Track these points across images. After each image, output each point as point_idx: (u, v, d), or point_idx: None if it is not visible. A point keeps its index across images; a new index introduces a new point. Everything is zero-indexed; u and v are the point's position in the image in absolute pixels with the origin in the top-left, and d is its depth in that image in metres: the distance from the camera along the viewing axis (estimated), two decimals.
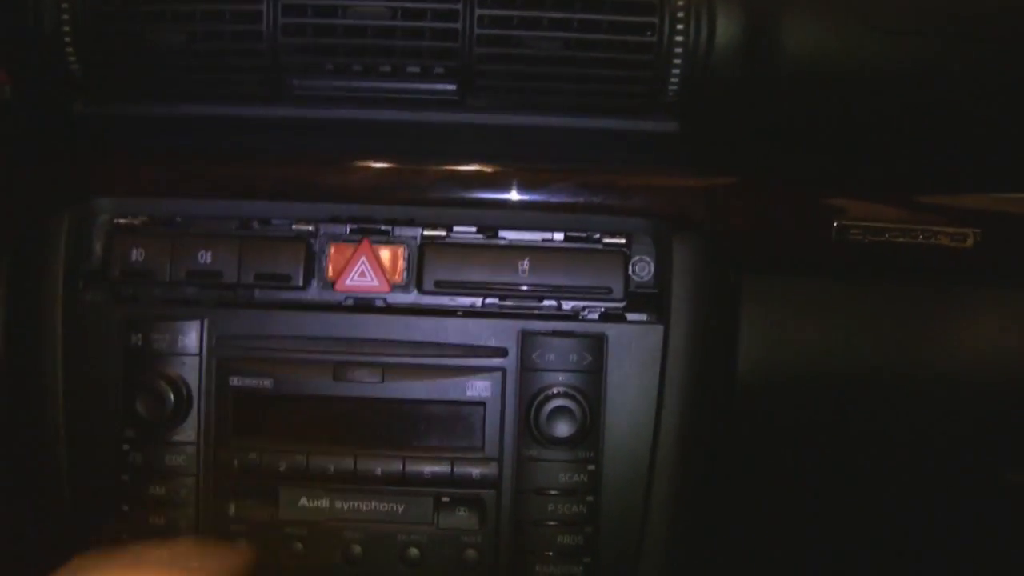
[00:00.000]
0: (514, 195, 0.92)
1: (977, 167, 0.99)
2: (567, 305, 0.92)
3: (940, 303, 0.99)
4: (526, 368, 0.90)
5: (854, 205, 0.95)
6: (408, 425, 0.91)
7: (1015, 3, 0.91)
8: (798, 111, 0.94)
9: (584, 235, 0.93)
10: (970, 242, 0.94)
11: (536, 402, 0.89)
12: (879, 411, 0.98)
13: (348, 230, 0.92)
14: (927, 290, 0.98)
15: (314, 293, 0.92)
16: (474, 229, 0.93)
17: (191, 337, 0.90)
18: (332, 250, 0.92)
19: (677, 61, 0.89)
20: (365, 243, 0.91)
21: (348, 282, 0.91)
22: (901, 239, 0.94)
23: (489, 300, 0.92)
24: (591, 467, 0.90)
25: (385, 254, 0.92)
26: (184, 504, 0.91)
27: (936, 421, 1.00)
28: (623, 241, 0.93)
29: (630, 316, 0.92)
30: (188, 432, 0.90)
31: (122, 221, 0.92)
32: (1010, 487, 1.04)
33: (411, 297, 0.92)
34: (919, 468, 1.03)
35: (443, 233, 0.92)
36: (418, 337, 0.91)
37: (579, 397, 0.89)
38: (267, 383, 0.90)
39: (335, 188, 0.92)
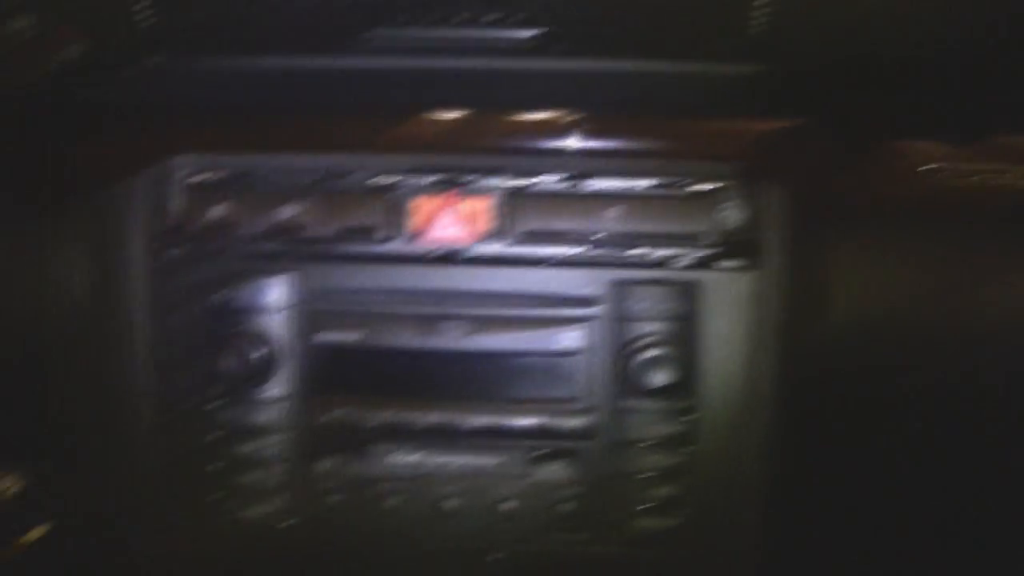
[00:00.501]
0: (600, 143, 0.90)
1: None
2: (657, 253, 0.90)
3: None
4: (618, 317, 0.88)
5: (944, 148, 0.93)
6: (500, 378, 0.89)
7: None
8: (886, 50, 0.92)
9: (672, 182, 0.90)
10: None
11: (629, 352, 0.87)
12: (973, 358, 0.96)
13: (432, 181, 0.90)
14: (1020, 235, 0.95)
15: (400, 246, 0.90)
16: (559, 177, 0.90)
17: (277, 292, 0.89)
18: (417, 202, 0.90)
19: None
20: (450, 194, 0.89)
21: (434, 234, 0.89)
22: (993, 181, 0.92)
23: (578, 249, 0.90)
24: (687, 417, 0.89)
25: (470, 205, 0.90)
26: (273, 462, 0.90)
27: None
28: (712, 187, 0.90)
29: (721, 263, 0.90)
30: (276, 389, 0.89)
31: (203, 177, 0.91)
32: None
33: (498, 248, 0.90)
34: (1015, 416, 1.01)
35: (529, 182, 0.90)
36: (507, 288, 0.89)
37: (672, 346, 0.87)
38: (355, 338, 0.88)
39: (415, 139, 0.90)
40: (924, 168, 0.92)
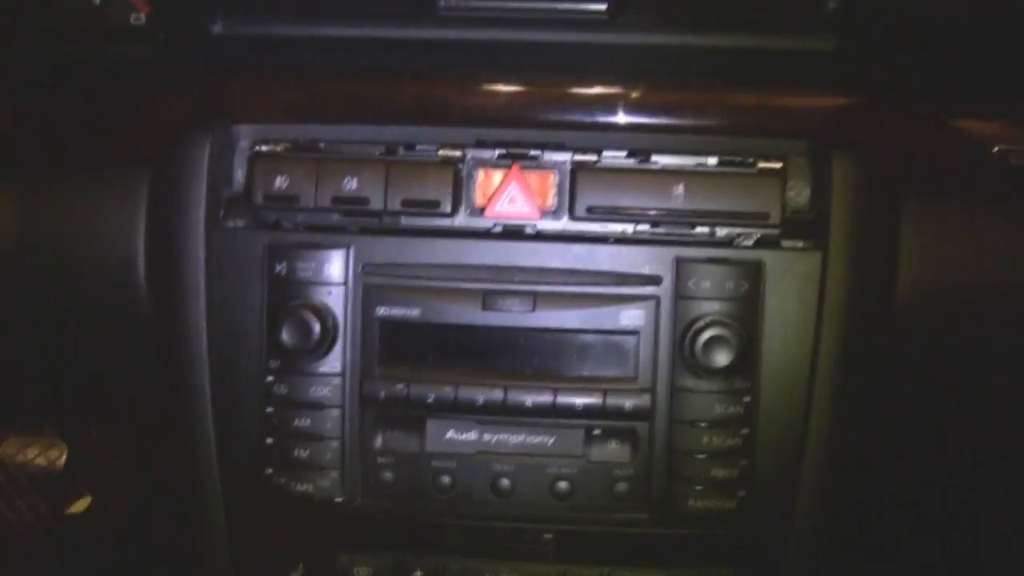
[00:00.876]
0: (666, 118, 0.89)
1: None
2: (721, 231, 0.89)
3: None
4: (681, 296, 0.87)
5: (1015, 128, 0.91)
6: (559, 355, 0.88)
7: None
8: (958, 28, 0.90)
9: (739, 159, 0.89)
10: None
11: (691, 331, 0.86)
12: None
13: (496, 155, 0.89)
14: None
15: (463, 220, 0.89)
16: (625, 153, 0.89)
17: (337, 265, 0.88)
18: (481, 175, 0.89)
19: None
20: (515, 168, 0.88)
21: (498, 208, 0.88)
22: None
23: (641, 226, 0.89)
24: (747, 398, 0.88)
25: (535, 179, 0.89)
26: (329, 437, 0.89)
27: None
28: (779, 165, 0.89)
29: (786, 242, 0.88)
30: (334, 363, 0.88)
31: (264, 147, 0.90)
32: None
33: (562, 223, 0.89)
34: None
35: (594, 158, 0.89)
36: (570, 264, 0.88)
37: (735, 326, 0.86)
38: (415, 312, 0.88)
39: (479, 111, 0.89)
40: (994, 148, 0.90)
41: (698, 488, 0.89)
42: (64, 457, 1.22)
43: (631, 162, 0.89)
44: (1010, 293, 0.91)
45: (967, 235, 0.92)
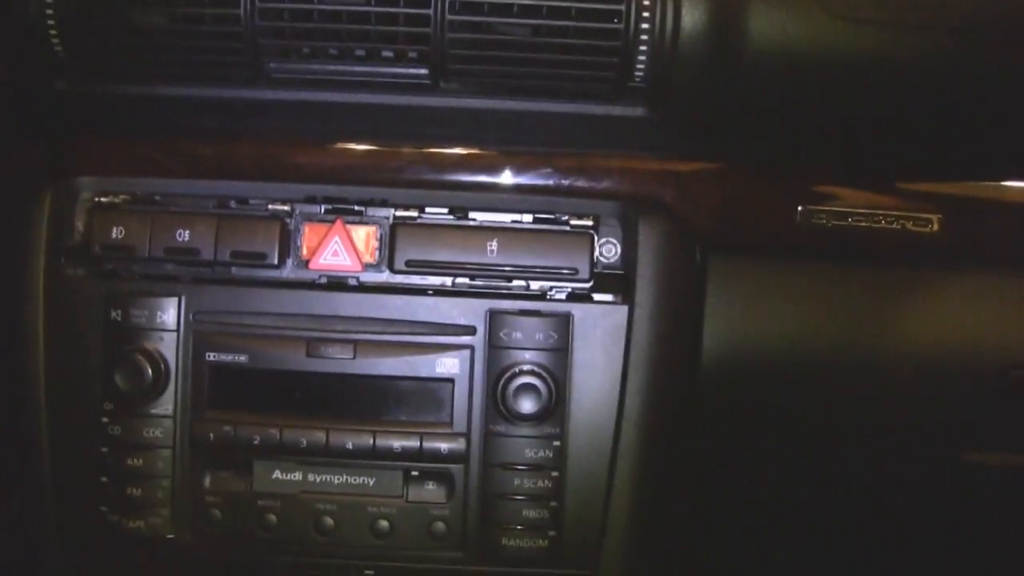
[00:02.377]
0: (485, 177, 0.94)
1: (941, 153, 1.01)
2: (535, 285, 0.94)
3: (905, 285, 1.01)
4: (494, 346, 0.92)
5: (819, 190, 0.97)
6: (379, 400, 0.93)
7: None
8: (764, 96, 0.96)
9: (552, 217, 0.95)
10: (933, 228, 0.97)
11: (503, 379, 0.92)
12: (842, 392, 1.01)
13: (323, 210, 0.94)
14: (892, 273, 1.00)
15: (289, 271, 0.94)
16: (445, 210, 0.95)
17: (169, 312, 0.93)
18: (307, 229, 0.94)
19: (643, 48, 0.91)
20: (339, 223, 0.94)
21: (322, 261, 0.94)
22: (864, 224, 0.96)
23: (459, 279, 0.94)
24: (556, 443, 0.93)
25: (358, 234, 0.94)
26: (161, 476, 0.93)
27: (897, 402, 1.02)
28: (590, 223, 0.95)
29: (596, 296, 0.94)
30: (165, 405, 0.93)
31: (103, 199, 0.95)
32: (969, 466, 1.06)
33: (383, 276, 0.94)
34: (880, 448, 1.05)
35: (415, 214, 0.94)
36: (389, 315, 0.93)
37: (545, 375, 0.91)
38: (242, 358, 0.92)
39: (311, 169, 0.95)
40: (801, 208, 0.96)
41: (510, 528, 0.93)
42: None
43: (450, 219, 0.95)
44: (811, 349, 0.97)
45: (772, 294, 0.98)
